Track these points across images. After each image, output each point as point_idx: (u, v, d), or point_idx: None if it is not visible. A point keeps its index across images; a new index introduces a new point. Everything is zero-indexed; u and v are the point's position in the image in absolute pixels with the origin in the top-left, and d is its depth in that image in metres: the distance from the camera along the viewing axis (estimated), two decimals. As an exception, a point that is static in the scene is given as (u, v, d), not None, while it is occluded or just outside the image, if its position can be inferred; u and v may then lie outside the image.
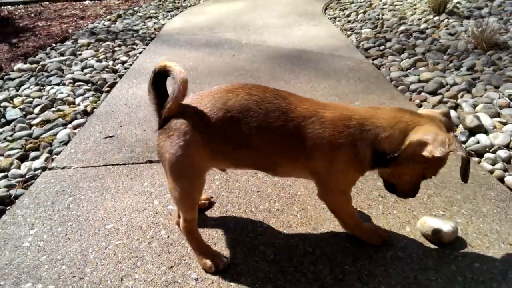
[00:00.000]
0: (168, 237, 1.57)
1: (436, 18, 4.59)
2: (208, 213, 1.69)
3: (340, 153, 1.26)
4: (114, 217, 1.71)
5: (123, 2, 8.15)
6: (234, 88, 1.31)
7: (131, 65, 3.85)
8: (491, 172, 1.91)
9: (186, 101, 1.32)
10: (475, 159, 2.03)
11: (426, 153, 1.15)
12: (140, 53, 4.23)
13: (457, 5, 5.04)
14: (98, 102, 3.07)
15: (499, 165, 1.95)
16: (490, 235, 1.47)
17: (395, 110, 1.28)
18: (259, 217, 1.64)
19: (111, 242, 1.56)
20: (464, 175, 1.18)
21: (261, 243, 1.50)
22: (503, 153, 2.02)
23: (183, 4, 6.89)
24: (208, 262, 1.38)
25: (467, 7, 4.91)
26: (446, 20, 4.49)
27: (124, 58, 4.09)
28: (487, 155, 2.03)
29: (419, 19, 4.62)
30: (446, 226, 1.43)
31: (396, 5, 5.37)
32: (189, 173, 1.32)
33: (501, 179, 1.86)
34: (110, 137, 2.43)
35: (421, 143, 1.16)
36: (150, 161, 2.13)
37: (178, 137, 1.27)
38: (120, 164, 2.12)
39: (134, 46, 4.52)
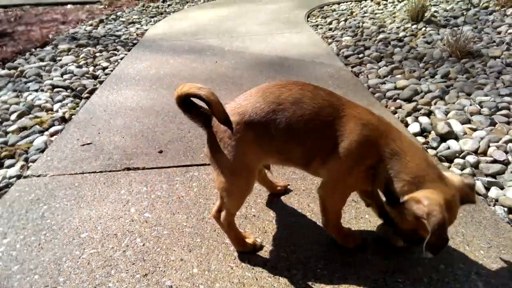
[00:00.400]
0: (143, 245, 1.57)
1: (414, 26, 4.72)
2: (184, 221, 1.70)
3: (361, 167, 1.30)
4: (89, 226, 1.70)
5: (106, 7, 8.10)
6: (287, 84, 1.35)
7: (112, 71, 3.83)
8: (460, 177, 1.98)
9: (236, 100, 1.37)
10: (445, 164, 2.11)
11: (414, 206, 1.19)
12: (121, 58, 4.22)
13: (435, 13, 5.19)
14: (77, 108, 3.05)
15: (467, 170, 2.02)
16: (456, 238, 1.53)
17: (428, 162, 1.29)
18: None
19: (85, 251, 1.56)
20: (429, 245, 1.18)
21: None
22: (471, 158, 2.10)
23: (167, 10, 6.90)
24: (248, 244, 1.50)
25: (444, 16, 5.07)
26: (423, 28, 4.63)
27: (105, 64, 4.08)
28: (456, 160, 2.11)
29: (397, 27, 4.74)
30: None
31: (376, 13, 5.50)
32: (243, 171, 1.36)
33: (469, 184, 1.93)
34: (88, 144, 2.42)
35: (418, 201, 1.19)
36: (128, 169, 2.13)
37: (230, 138, 1.31)
38: (97, 172, 2.12)
39: (116, 52, 4.51)
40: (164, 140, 2.41)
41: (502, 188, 1.89)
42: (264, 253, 1.50)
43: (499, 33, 4.34)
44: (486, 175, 1.99)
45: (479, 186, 1.90)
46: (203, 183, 1.96)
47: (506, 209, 1.75)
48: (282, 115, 1.30)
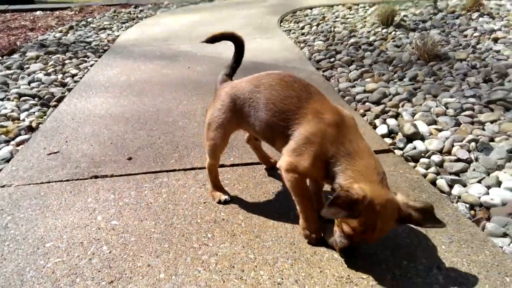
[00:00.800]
0: (110, 252, 1.54)
1: (384, 30, 4.86)
2: (152, 227, 1.68)
3: (312, 155, 1.41)
4: (54, 235, 1.66)
5: (76, 13, 7.97)
6: (273, 73, 1.61)
7: (81, 78, 3.77)
8: (425, 176, 2.04)
9: (239, 80, 1.70)
10: (411, 164, 2.17)
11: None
12: (91, 65, 4.15)
13: (404, 18, 5.36)
14: (45, 117, 2.97)
15: (432, 169, 2.09)
16: (419, 234, 1.58)
17: (375, 168, 1.36)
18: (204, 228, 1.66)
19: (50, 260, 1.52)
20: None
21: (205, 252, 1.52)
22: (436, 158, 2.17)
23: (139, 16, 6.85)
24: (216, 195, 1.83)
25: (413, 20, 5.25)
26: (393, 32, 4.77)
27: (74, 71, 4.00)
28: (422, 160, 2.17)
29: (368, 32, 4.87)
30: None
31: (347, 18, 5.63)
32: (219, 129, 1.69)
33: (433, 182, 1.99)
34: (55, 153, 2.37)
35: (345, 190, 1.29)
36: (96, 177, 2.09)
37: (219, 103, 1.68)
38: (64, 181, 2.07)
39: (86, 59, 4.44)
40: (133, 147, 2.38)
41: (464, 185, 1.96)
42: (232, 255, 1.50)
43: (465, 36, 4.53)
44: (450, 173, 2.06)
45: (443, 184, 1.96)
46: (172, 189, 1.94)
47: (467, 205, 1.82)
48: (256, 96, 1.58)
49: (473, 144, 2.24)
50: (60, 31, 5.86)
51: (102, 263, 1.49)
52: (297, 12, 6.22)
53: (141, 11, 7.33)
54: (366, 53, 4.07)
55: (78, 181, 2.05)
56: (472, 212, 1.80)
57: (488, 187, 1.90)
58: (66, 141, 2.50)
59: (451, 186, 1.96)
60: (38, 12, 8.75)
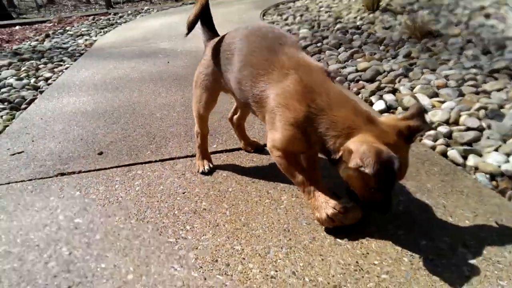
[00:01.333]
0: (70, 254, 1.28)
1: (371, 15, 4.68)
2: (121, 223, 1.43)
3: (289, 117, 1.21)
4: (7, 239, 1.40)
5: (55, 24, 7.73)
6: (255, 24, 1.50)
7: (54, 81, 3.51)
8: (433, 148, 1.81)
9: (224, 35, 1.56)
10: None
11: (350, 163, 1.06)
12: (66, 68, 3.90)
13: (390, 2, 5.19)
14: (13, 120, 2.71)
15: (441, 140, 1.86)
16: (437, 210, 1.34)
17: (355, 111, 1.16)
18: (182, 219, 1.41)
19: (-4, 270, 1.25)
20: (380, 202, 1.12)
21: (182, 247, 1.26)
22: (443, 129, 1.94)
23: (118, 21, 6.63)
24: (199, 165, 1.73)
25: (400, 4, 5.06)
26: (380, 16, 4.58)
27: (48, 75, 3.75)
28: (428, 132, 1.94)
29: (354, 18, 4.68)
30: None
31: (332, 7, 5.45)
32: (202, 86, 1.61)
33: (444, 154, 1.76)
34: (19, 153, 2.10)
35: (350, 152, 1.07)
36: (62, 174, 1.83)
37: (203, 58, 1.63)
38: (26, 181, 1.80)
39: (61, 63, 4.19)
40: (105, 142, 2.12)
41: (480, 155, 1.73)
42: (215, 248, 1.24)
43: (455, 14, 4.34)
44: (462, 144, 1.83)
45: (455, 155, 1.73)
46: (147, 181, 1.69)
47: (488, 175, 1.59)
48: (231, 47, 1.44)
49: (482, 111, 2.02)
50: (36, 40, 5.61)
51: (60, 267, 1.23)
52: (279, 6, 6.03)
53: (120, 17, 7.11)
54: (354, 36, 3.87)
55: (42, 180, 1.79)
56: (494, 182, 1.56)
57: (508, 155, 1.67)
58: (33, 141, 2.24)
59: (464, 157, 1.73)
60: (17, 27, 8.50)
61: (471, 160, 1.69)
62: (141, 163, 1.85)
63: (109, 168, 1.83)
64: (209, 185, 1.62)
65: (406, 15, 4.43)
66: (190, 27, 1.63)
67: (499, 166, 1.60)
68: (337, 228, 1.24)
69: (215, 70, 1.54)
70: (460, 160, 1.70)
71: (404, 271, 1.08)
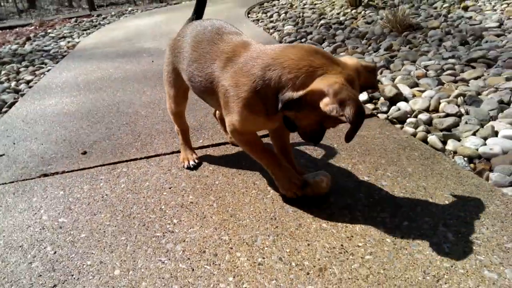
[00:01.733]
0: (54, 253, 1.27)
1: (353, 11, 4.73)
2: (106, 220, 1.42)
3: (239, 93, 1.20)
4: (-11, 242, 1.38)
5: (37, 27, 7.60)
6: (197, 21, 1.55)
7: (36, 83, 3.46)
8: (414, 135, 1.85)
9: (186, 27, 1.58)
10: (397, 126, 1.97)
11: (321, 104, 1.03)
12: (48, 71, 3.84)
13: (372, -2, 5.26)
14: (-6, 124, 2.66)
15: (421, 127, 1.89)
16: (417, 192, 1.37)
17: (309, 51, 1.12)
18: (169, 214, 1.41)
19: (-20, 271, 1.24)
20: (349, 136, 1.06)
21: (170, 240, 1.26)
22: (423, 116, 1.98)
23: (101, 23, 6.55)
24: (184, 159, 1.73)
25: (381, -1, 5.14)
26: (363, 12, 4.64)
27: (29, 78, 3.69)
28: (409, 119, 1.98)
29: (338, 13, 4.73)
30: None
31: (315, 4, 5.50)
32: (169, 83, 1.65)
33: (424, 140, 1.80)
34: (0, 156, 2.07)
35: (321, 93, 1.03)
36: (45, 175, 1.81)
37: (166, 60, 1.63)
38: (7, 183, 1.78)
39: (43, 65, 4.13)
40: (89, 141, 2.10)
41: (458, 139, 1.77)
42: (203, 239, 1.25)
43: (435, 8, 4.43)
44: (441, 130, 1.88)
45: (435, 141, 1.77)
46: (133, 178, 1.68)
47: (466, 158, 1.63)
48: (179, 45, 1.50)
49: (460, 98, 2.07)
50: (17, 43, 5.51)
51: (44, 266, 1.22)
52: (264, 4, 6.05)
53: (104, 18, 7.03)
54: (338, 31, 3.91)
55: (24, 182, 1.77)
56: (472, 165, 1.60)
57: (485, 138, 1.71)
58: (14, 143, 2.20)
59: (444, 142, 1.77)
60: (-4, 32, 8.32)
61: (450, 145, 1.73)
62: (126, 161, 1.84)
63: (93, 167, 1.82)
64: (195, 179, 1.63)
65: (387, 10, 4.49)
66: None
67: (477, 149, 1.65)
68: (302, 199, 1.35)
69: (175, 67, 1.56)
70: (439, 145, 1.74)
71: (387, 251, 1.10)
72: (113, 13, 7.49)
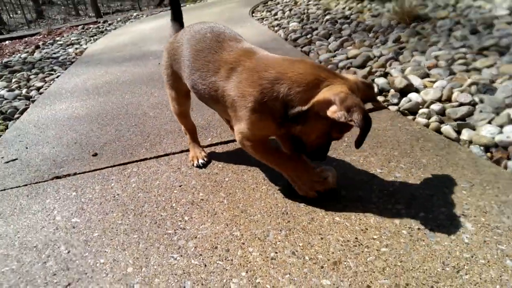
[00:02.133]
0: (68, 252, 1.28)
1: (359, 5, 4.68)
2: (118, 219, 1.42)
3: (247, 103, 1.21)
4: (4, 242, 1.39)
5: (45, 36, 7.71)
6: (193, 26, 1.52)
7: (46, 89, 3.50)
8: (427, 125, 1.81)
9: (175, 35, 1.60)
10: (409, 117, 1.93)
11: (329, 112, 1.06)
12: (57, 77, 3.88)
13: (377, -8, 5.20)
14: (6, 130, 2.70)
15: (434, 118, 1.86)
16: (433, 183, 1.34)
17: (314, 65, 1.17)
18: (180, 211, 1.40)
19: (-5, 273, 1.24)
20: (359, 141, 1.11)
21: (181, 237, 1.26)
22: (436, 106, 1.94)
23: (108, 29, 6.61)
24: (193, 158, 1.72)
25: (387, -7, 5.08)
26: (368, 5, 4.59)
27: (39, 84, 3.73)
28: (421, 110, 1.94)
29: (343, 8, 4.69)
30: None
31: (320, 0, 5.46)
32: (169, 86, 1.66)
33: (438, 130, 1.76)
34: (13, 160, 2.09)
35: (328, 102, 1.07)
36: (57, 177, 1.82)
37: (164, 62, 1.63)
38: (21, 186, 1.79)
39: (52, 72, 4.17)
40: (99, 143, 2.11)
41: (473, 128, 1.73)
42: (214, 235, 1.24)
43: (441, -1, 4.35)
44: (455, 120, 1.83)
45: (449, 131, 1.73)
46: (143, 177, 1.68)
47: (482, 147, 1.59)
48: (178, 51, 1.51)
49: (474, 87, 2.02)
50: (27, 52, 5.60)
51: (58, 265, 1.22)
52: (268, 2, 6.04)
53: (110, 24, 7.10)
54: (344, 26, 3.87)
55: (37, 184, 1.78)
56: (489, 154, 1.56)
57: (501, 126, 1.67)
58: (26, 147, 2.23)
59: (458, 132, 1.73)
60: (6, 42, 8.47)
61: (465, 134, 1.69)
62: (136, 161, 1.84)
63: (104, 168, 1.82)
64: (205, 176, 1.62)
65: (394, 2, 4.44)
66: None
67: (493, 138, 1.60)
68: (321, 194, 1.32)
69: (174, 71, 1.57)
70: (454, 135, 1.70)
71: (404, 243, 1.08)
72: (118, 19, 7.56)
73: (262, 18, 5.10)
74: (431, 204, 1.23)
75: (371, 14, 4.16)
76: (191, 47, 1.41)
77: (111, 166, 1.83)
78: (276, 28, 4.37)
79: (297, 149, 1.27)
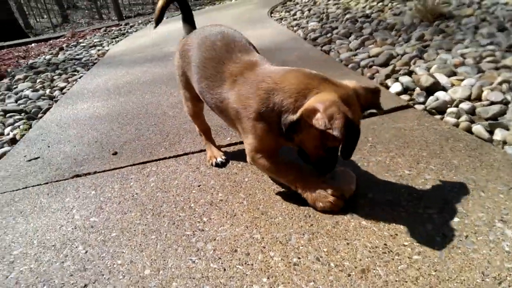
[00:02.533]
0: (86, 252, 1.26)
1: (379, 4, 4.57)
2: (137, 219, 1.39)
3: (249, 114, 1.22)
4: (24, 241, 1.38)
5: (69, 38, 7.88)
6: (204, 29, 1.52)
7: (69, 90, 3.55)
8: (457, 125, 1.72)
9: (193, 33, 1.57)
10: (437, 116, 1.84)
11: (314, 121, 1.04)
12: (80, 78, 3.94)
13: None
14: (30, 129, 2.74)
15: (464, 117, 1.76)
16: (467, 186, 1.25)
17: (307, 75, 1.17)
18: (199, 212, 1.36)
19: (15, 269, 1.24)
20: (345, 152, 1.06)
21: (200, 239, 1.22)
22: (465, 105, 1.85)
23: (129, 31, 6.70)
24: (211, 157, 1.68)
25: (409, -9, 4.94)
26: (389, 4, 4.48)
27: (62, 85, 3.80)
28: (449, 109, 1.85)
29: (363, 7, 4.59)
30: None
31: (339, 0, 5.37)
32: (182, 88, 1.65)
33: (469, 130, 1.67)
34: (35, 159, 2.11)
35: (313, 110, 1.04)
36: (77, 175, 1.82)
37: (176, 64, 1.62)
38: (42, 184, 1.80)
39: (75, 73, 4.24)
40: (119, 142, 2.11)
41: (507, 128, 1.63)
42: (234, 238, 1.19)
43: (467, -5, 4.20)
44: (486, 119, 1.74)
45: (481, 130, 1.64)
46: (162, 177, 1.66)
47: (517, 148, 1.49)
48: (189, 54, 1.49)
49: (505, 85, 1.91)
50: (51, 54, 5.72)
51: (76, 266, 1.20)
52: (286, 3, 5.98)
53: (131, 27, 7.20)
54: (365, 25, 3.77)
55: (58, 183, 1.78)
56: (525, 155, 1.46)
57: (537, 126, 1.57)
58: (48, 146, 2.25)
59: (491, 132, 1.63)
60: (32, 44, 8.71)
61: (498, 134, 1.59)
62: (155, 160, 1.82)
63: (123, 167, 1.81)
64: (224, 176, 1.58)
65: (416, 0, 4.31)
66: (158, 20, 1.73)
67: (531, 138, 1.50)
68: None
69: (184, 72, 1.56)
70: (486, 135, 1.61)
71: (438, 251, 1.01)
72: (140, 21, 7.66)
73: (281, 19, 5.05)
74: (466, 208, 1.15)
75: (393, 12, 4.05)
76: (201, 53, 1.40)
77: (130, 165, 1.82)
78: (295, 28, 4.31)
79: (304, 159, 1.26)
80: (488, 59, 2.34)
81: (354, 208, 1.23)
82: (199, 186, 1.54)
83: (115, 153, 1.98)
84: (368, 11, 4.29)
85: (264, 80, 1.20)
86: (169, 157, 1.83)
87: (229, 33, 1.44)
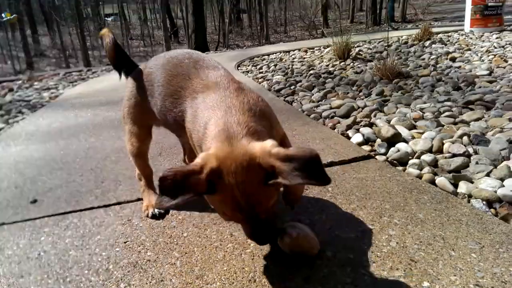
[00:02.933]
0: None
1: (342, 63, 4.72)
2: (35, 284, 1.09)
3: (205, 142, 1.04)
4: None
5: (25, 81, 7.54)
6: (171, 52, 1.39)
7: (6, 131, 3.21)
8: (420, 177, 1.59)
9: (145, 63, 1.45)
10: (399, 168, 1.72)
11: None
12: (22, 119, 3.62)
13: (360, 52, 5.31)
14: None
15: (427, 169, 1.65)
16: (435, 243, 1.08)
17: (228, 122, 1.00)
18: (116, 276, 1.09)
19: None
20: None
21: (110, 312, 0.94)
22: (427, 157, 1.75)
23: (90, 76, 6.50)
24: (148, 208, 1.43)
25: (369, 53, 5.18)
26: (351, 63, 4.62)
27: (0, 126, 3.45)
28: (411, 161, 1.74)
29: (326, 65, 4.71)
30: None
31: (305, 58, 5.52)
32: (130, 120, 1.45)
33: (432, 182, 1.54)
34: None
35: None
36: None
37: (126, 91, 1.47)
38: None
39: (19, 114, 3.91)
40: (44, 189, 1.80)
41: (471, 181, 1.52)
42: (154, 311, 0.92)
43: (422, 59, 4.43)
44: (449, 171, 1.63)
45: (445, 183, 1.51)
46: (82, 231, 1.37)
47: (484, 202, 1.36)
48: (150, 77, 1.35)
49: (465, 138, 1.85)
50: (-1, 95, 5.35)
51: None
52: (254, 58, 6.09)
53: (93, 72, 7.00)
54: (327, 80, 3.81)
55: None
56: (492, 210, 1.33)
57: (501, 179, 1.47)
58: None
59: (455, 185, 1.51)
60: (-16, 87, 8.25)
61: (463, 187, 1.47)
62: (80, 210, 1.54)
63: (38, 218, 1.50)
64: (159, 230, 1.32)
65: (376, 61, 4.48)
66: (118, 68, 1.52)
67: (495, 192, 1.39)
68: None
69: (140, 102, 1.40)
70: (450, 187, 1.48)
71: (407, 327, 0.79)
72: (103, 68, 7.52)
73: (247, 71, 5.07)
74: (436, 271, 0.96)
75: (354, 71, 4.16)
76: (166, 72, 1.28)
77: (48, 216, 1.52)
78: (260, 80, 4.30)
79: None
80: (446, 113, 2.33)
81: (310, 269, 1.01)
82: (125, 242, 1.27)
83: (34, 201, 1.67)
84: (331, 69, 4.39)
85: (214, 111, 1.06)
86: (98, 207, 1.55)
87: (197, 53, 1.35)
